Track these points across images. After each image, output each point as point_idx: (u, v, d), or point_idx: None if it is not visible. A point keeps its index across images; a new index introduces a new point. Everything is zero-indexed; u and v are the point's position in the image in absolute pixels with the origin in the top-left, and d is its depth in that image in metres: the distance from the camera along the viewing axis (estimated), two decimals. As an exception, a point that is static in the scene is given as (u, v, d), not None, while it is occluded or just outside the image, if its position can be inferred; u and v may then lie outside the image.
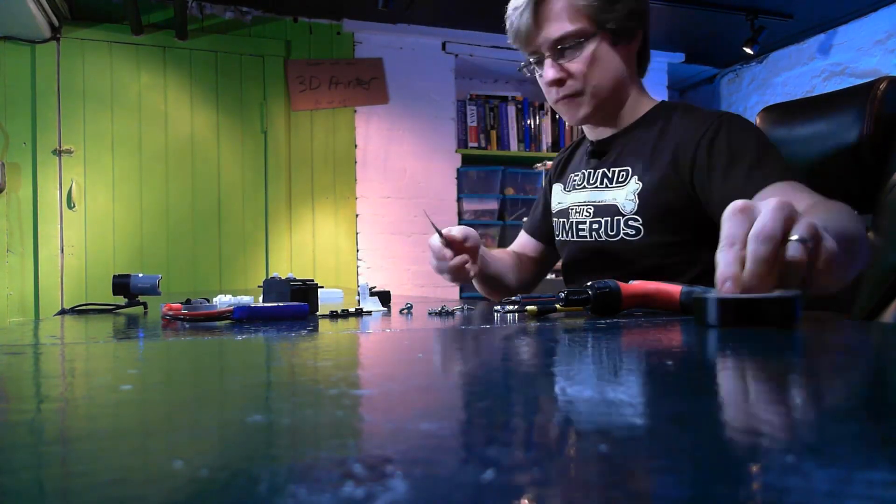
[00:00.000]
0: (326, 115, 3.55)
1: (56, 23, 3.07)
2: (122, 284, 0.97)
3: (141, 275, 0.99)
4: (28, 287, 3.09)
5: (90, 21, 3.18)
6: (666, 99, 4.22)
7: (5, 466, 0.20)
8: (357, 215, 3.58)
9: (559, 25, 1.04)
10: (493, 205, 3.74)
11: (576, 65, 1.05)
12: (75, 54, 3.17)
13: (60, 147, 3.15)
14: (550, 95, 1.11)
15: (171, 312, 0.74)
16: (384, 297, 0.92)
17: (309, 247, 3.50)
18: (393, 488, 0.17)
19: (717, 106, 4.63)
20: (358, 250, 3.56)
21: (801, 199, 0.85)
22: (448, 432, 0.23)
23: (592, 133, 1.19)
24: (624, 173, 1.09)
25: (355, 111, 3.59)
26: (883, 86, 1.06)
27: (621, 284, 0.70)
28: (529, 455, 0.20)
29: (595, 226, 1.12)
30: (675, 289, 0.70)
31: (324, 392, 0.31)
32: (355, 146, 3.59)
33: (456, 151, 3.74)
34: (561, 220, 1.22)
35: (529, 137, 3.85)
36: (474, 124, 3.77)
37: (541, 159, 3.84)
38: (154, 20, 3.30)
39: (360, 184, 3.59)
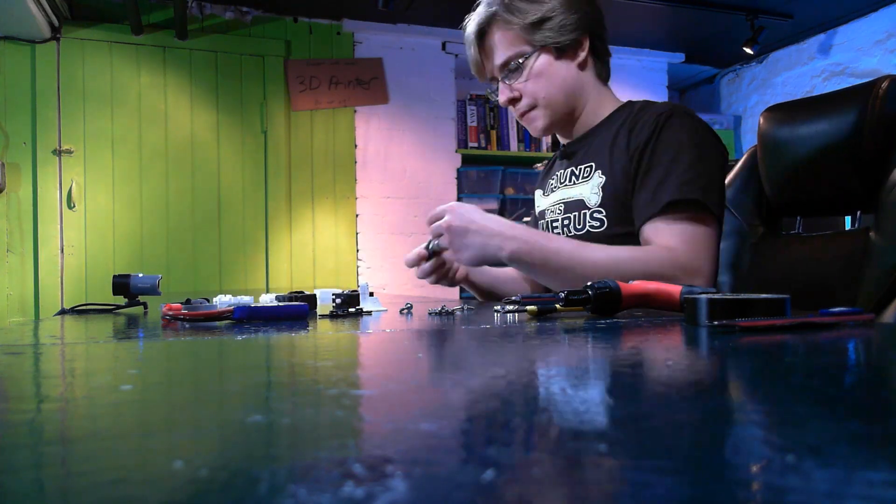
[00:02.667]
0: (326, 115, 3.55)
1: (56, 23, 3.07)
2: (122, 284, 0.97)
3: (141, 275, 0.98)
4: (28, 287, 3.09)
5: (90, 21, 3.18)
6: (666, 99, 4.19)
7: (5, 466, 0.20)
8: (357, 215, 3.58)
9: (501, 52, 1.14)
10: (493, 205, 3.74)
11: (523, 84, 1.14)
12: (75, 54, 3.17)
13: (60, 147, 3.15)
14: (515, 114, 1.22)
15: (171, 312, 0.74)
16: (351, 301, 0.86)
17: (309, 247, 3.50)
18: (393, 488, 0.17)
19: (718, 106, 4.63)
20: (358, 250, 3.56)
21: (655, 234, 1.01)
22: (448, 432, 0.24)
23: (564, 139, 1.25)
24: (588, 168, 1.14)
25: (355, 111, 3.59)
26: (885, 85, 1.06)
27: (621, 284, 0.70)
28: (529, 455, 0.20)
29: (566, 221, 1.17)
30: (675, 289, 0.70)
31: (324, 392, 0.31)
32: (355, 146, 3.59)
33: (456, 151, 3.74)
34: (541, 222, 1.28)
35: (529, 137, 3.85)
36: (474, 124, 3.77)
37: (541, 159, 3.84)
38: (154, 20, 3.30)
39: (360, 184, 3.59)
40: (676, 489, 0.17)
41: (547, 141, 3.87)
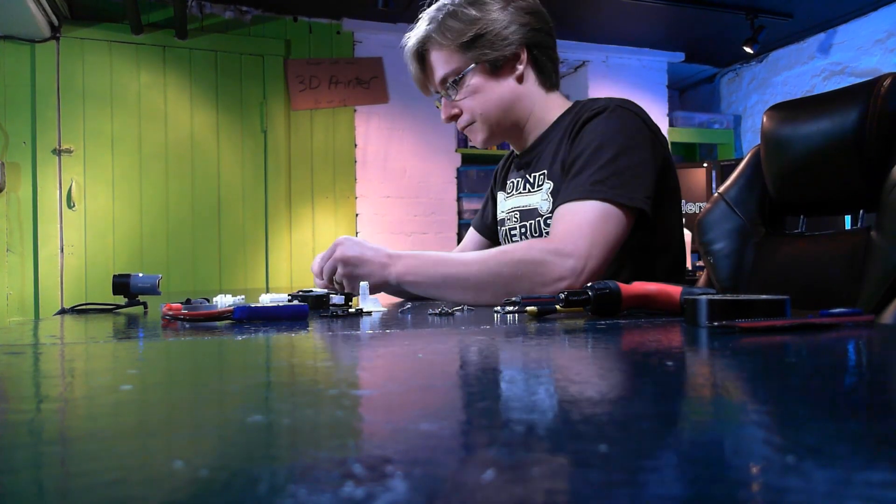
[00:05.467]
0: (326, 115, 3.55)
1: (56, 22, 3.07)
2: (122, 284, 0.97)
3: (141, 274, 0.98)
4: (28, 287, 3.09)
5: (90, 20, 3.18)
6: (665, 98, 4.17)
7: (5, 466, 0.20)
8: (357, 215, 3.58)
9: (439, 70, 1.16)
10: (493, 204, 3.74)
11: (461, 100, 1.16)
12: (75, 54, 3.17)
13: (60, 146, 3.15)
14: None
15: (171, 312, 0.74)
16: (318, 301, 0.88)
17: (309, 246, 3.50)
18: (393, 488, 0.17)
19: (718, 105, 4.63)
20: (358, 250, 3.56)
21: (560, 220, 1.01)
22: (448, 432, 0.24)
23: (516, 148, 1.26)
24: (541, 177, 1.15)
25: (355, 111, 3.59)
26: (886, 83, 1.06)
27: (621, 286, 0.70)
28: (528, 455, 0.20)
29: (523, 230, 1.18)
30: (675, 290, 0.70)
31: (324, 392, 0.31)
32: (355, 146, 3.59)
33: (456, 151, 3.74)
34: (501, 229, 1.29)
35: (529, 137, 3.85)
36: (474, 124, 3.77)
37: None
38: (154, 20, 3.30)
39: (359, 183, 3.59)
40: (676, 489, 0.17)
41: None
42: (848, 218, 1.26)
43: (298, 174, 3.50)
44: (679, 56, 4.17)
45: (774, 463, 0.19)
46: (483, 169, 3.75)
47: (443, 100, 1.19)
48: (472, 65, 1.12)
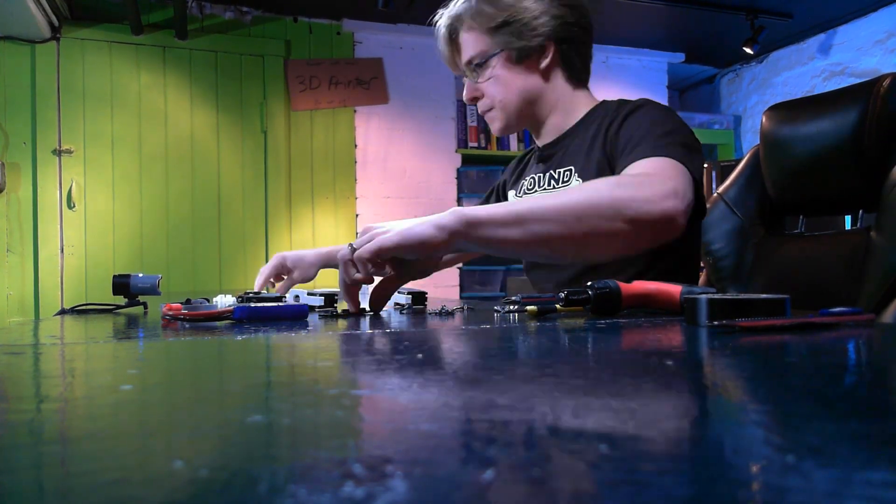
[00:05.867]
0: (326, 115, 3.55)
1: (56, 22, 3.07)
2: (122, 284, 0.97)
3: (141, 275, 0.98)
4: (28, 287, 3.09)
5: (90, 21, 3.18)
6: (665, 99, 4.18)
7: (5, 466, 0.20)
8: (357, 215, 3.58)
9: (466, 51, 1.16)
10: (493, 205, 3.74)
11: (483, 84, 1.16)
12: (75, 54, 3.17)
13: (60, 147, 3.15)
14: None
15: (171, 312, 0.74)
16: (418, 298, 0.90)
17: (309, 246, 3.50)
18: (393, 488, 0.17)
19: (718, 106, 4.63)
20: (358, 250, 3.56)
21: (632, 169, 0.89)
22: (448, 432, 0.24)
23: (538, 140, 1.24)
24: (567, 172, 1.13)
25: (355, 111, 3.59)
26: (886, 83, 1.06)
27: (621, 285, 0.70)
28: (528, 455, 0.20)
29: None
30: (675, 289, 0.70)
31: (324, 392, 0.31)
32: (355, 146, 3.59)
33: (456, 151, 3.74)
34: None
35: (529, 137, 3.84)
36: (474, 124, 3.77)
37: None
38: (154, 20, 3.30)
39: (359, 183, 3.59)
40: (676, 489, 0.17)
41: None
42: (848, 218, 1.26)
43: (298, 174, 3.50)
44: (679, 56, 4.17)
45: (774, 463, 0.19)
46: (483, 169, 3.75)
47: (467, 81, 1.19)
48: (497, 51, 1.12)
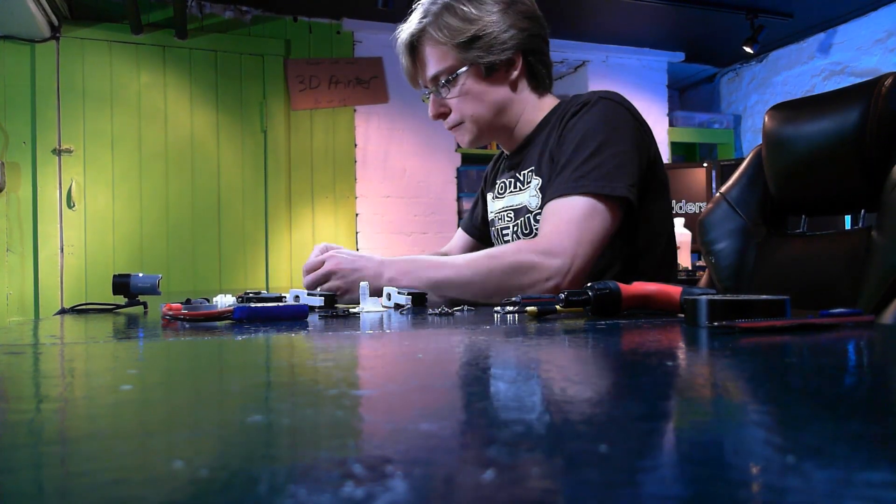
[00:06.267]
0: (326, 115, 3.55)
1: (56, 22, 3.07)
2: (122, 284, 0.97)
3: (141, 274, 0.98)
4: (28, 287, 3.09)
5: (90, 20, 3.18)
6: (665, 98, 4.16)
7: (5, 466, 0.20)
8: (357, 214, 3.58)
9: (431, 66, 1.14)
10: (493, 204, 3.74)
11: (451, 100, 1.15)
12: (75, 54, 3.17)
13: (60, 146, 3.15)
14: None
15: (171, 312, 0.74)
16: (418, 299, 0.92)
17: (309, 246, 3.50)
18: (393, 488, 0.17)
19: (718, 105, 4.63)
20: (357, 250, 3.56)
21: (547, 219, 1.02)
22: (448, 432, 0.24)
23: (505, 148, 1.26)
24: (530, 174, 1.15)
25: (355, 110, 3.59)
26: (888, 82, 1.06)
27: (622, 286, 0.70)
28: (528, 455, 0.20)
29: (515, 228, 1.18)
30: (675, 290, 0.70)
31: (324, 392, 0.31)
32: (355, 145, 3.59)
33: (456, 151, 3.74)
34: (493, 229, 1.29)
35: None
36: (474, 124, 3.77)
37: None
38: (154, 19, 3.30)
39: (359, 183, 3.59)
40: (676, 489, 0.17)
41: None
42: (848, 218, 1.26)
43: (298, 174, 3.50)
44: (679, 56, 4.17)
45: (774, 463, 0.19)
46: (483, 169, 3.75)
47: (431, 96, 1.17)
48: (466, 66, 1.11)
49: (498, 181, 1.28)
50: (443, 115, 1.18)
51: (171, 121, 3.32)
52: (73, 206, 3.16)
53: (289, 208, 3.48)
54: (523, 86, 1.16)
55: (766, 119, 1.25)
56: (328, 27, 3.58)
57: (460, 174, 3.73)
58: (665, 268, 1.16)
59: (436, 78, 1.14)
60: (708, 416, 0.27)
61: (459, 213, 3.74)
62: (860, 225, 1.16)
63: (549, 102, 1.19)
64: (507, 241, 1.20)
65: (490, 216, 1.30)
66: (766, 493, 0.16)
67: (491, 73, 1.12)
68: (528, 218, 1.14)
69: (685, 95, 4.86)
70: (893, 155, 1.05)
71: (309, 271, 1.01)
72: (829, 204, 1.20)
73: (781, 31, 3.81)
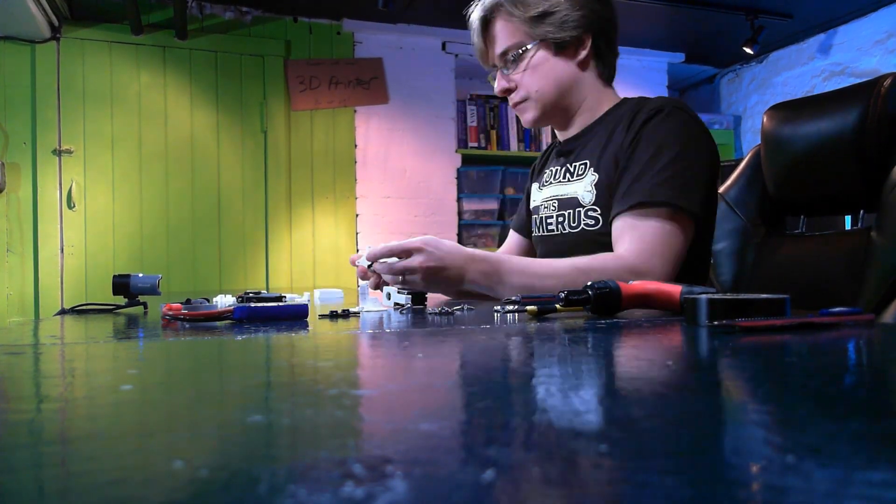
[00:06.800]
0: (326, 115, 3.55)
1: (56, 22, 3.07)
2: (122, 284, 0.97)
3: (141, 275, 0.98)
4: (28, 287, 3.09)
5: (90, 21, 3.18)
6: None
7: (5, 466, 0.20)
8: (357, 215, 3.58)
9: (501, 42, 1.15)
10: (493, 205, 3.74)
11: (518, 75, 1.15)
12: (75, 54, 3.17)
13: (60, 147, 3.15)
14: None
15: (171, 312, 0.74)
16: (418, 298, 0.92)
17: (309, 246, 3.50)
18: (393, 488, 0.17)
19: (718, 106, 4.63)
20: (357, 250, 3.56)
21: (622, 237, 1.02)
22: (448, 432, 0.24)
23: (560, 134, 1.25)
24: (582, 166, 1.14)
25: (355, 111, 3.59)
26: (887, 83, 1.06)
27: (621, 284, 0.70)
28: (528, 455, 0.20)
29: (560, 219, 1.17)
30: (675, 289, 0.70)
31: (324, 392, 0.31)
32: (355, 146, 3.59)
33: (456, 151, 3.74)
34: (535, 216, 1.28)
35: (529, 137, 3.85)
36: (474, 124, 3.77)
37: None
38: (154, 20, 3.30)
39: (360, 183, 3.59)
40: (676, 489, 0.17)
41: (547, 141, 3.87)
42: (848, 218, 1.26)
43: (298, 174, 3.50)
44: (679, 56, 4.17)
45: (774, 463, 0.19)
46: (483, 169, 3.76)
47: (498, 72, 1.18)
48: (537, 41, 1.12)
49: (547, 169, 1.27)
50: (508, 90, 1.18)
51: (172, 121, 3.33)
52: (74, 206, 3.16)
53: (289, 209, 3.48)
54: (591, 68, 1.17)
55: (765, 119, 1.25)
56: (328, 28, 3.58)
57: (461, 175, 3.73)
58: (702, 279, 1.15)
59: (505, 53, 1.14)
60: (708, 416, 0.27)
61: (460, 213, 3.74)
62: (860, 225, 1.16)
63: (611, 95, 1.20)
64: (551, 231, 1.19)
65: (533, 204, 1.30)
66: (766, 493, 0.16)
67: (560, 50, 1.13)
68: (579, 212, 1.13)
69: (685, 96, 4.86)
70: (893, 155, 1.05)
71: (391, 254, 0.96)
72: (829, 204, 1.20)
73: (781, 32, 3.81)
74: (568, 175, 1.17)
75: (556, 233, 1.18)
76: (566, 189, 1.16)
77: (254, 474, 0.18)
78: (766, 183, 1.26)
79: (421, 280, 0.95)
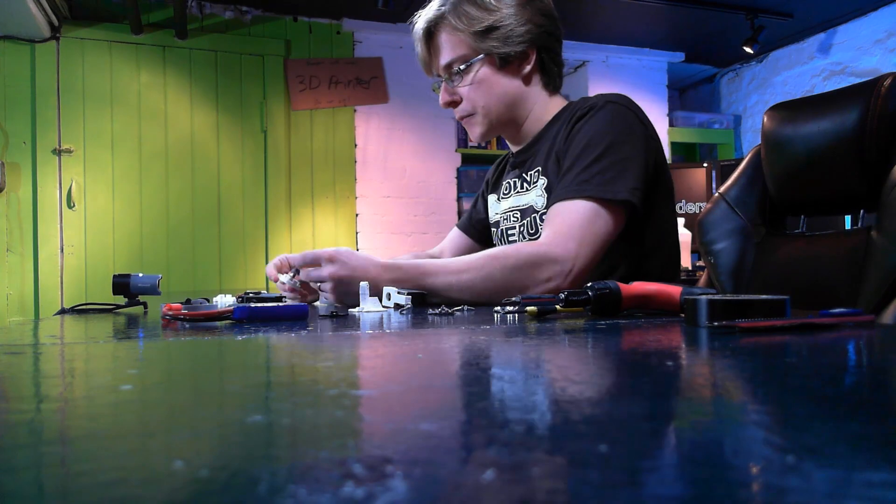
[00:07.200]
0: (326, 115, 3.55)
1: (56, 22, 3.07)
2: (122, 284, 0.97)
3: (141, 274, 0.98)
4: (28, 287, 3.09)
5: (90, 20, 3.18)
6: (665, 98, 4.16)
7: (5, 466, 0.20)
8: (357, 215, 3.58)
9: (446, 54, 1.14)
10: (492, 204, 3.75)
11: (463, 89, 1.15)
12: (75, 54, 3.17)
13: (60, 146, 3.15)
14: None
15: (171, 312, 0.74)
16: (418, 299, 0.92)
17: (309, 246, 3.50)
18: (393, 488, 0.17)
19: (718, 105, 4.63)
20: (357, 250, 3.56)
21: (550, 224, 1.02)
22: (448, 432, 0.24)
23: (512, 146, 1.26)
24: (535, 174, 1.16)
25: (355, 110, 3.59)
26: (887, 83, 1.06)
27: (621, 285, 0.70)
28: (528, 455, 0.20)
29: (521, 228, 1.19)
30: (675, 290, 0.70)
31: (324, 392, 0.31)
32: (355, 145, 3.59)
33: (456, 151, 3.74)
34: (496, 230, 1.29)
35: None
36: (474, 124, 3.77)
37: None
38: (154, 20, 3.30)
39: (359, 183, 3.59)
40: (676, 489, 0.17)
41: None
42: (848, 218, 1.26)
43: (298, 174, 3.50)
44: (679, 56, 4.17)
45: (774, 463, 0.19)
46: (483, 169, 3.76)
47: (443, 84, 1.18)
48: (481, 55, 1.12)
49: (503, 182, 1.28)
50: (453, 103, 1.17)
51: (171, 121, 3.32)
52: (73, 206, 3.16)
53: (289, 208, 3.48)
54: (535, 81, 1.17)
55: (765, 119, 1.25)
56: (328, 27, 3.58)
57: (460, 174, 3.73)
58: (670, 269, 1.16)
59: (450, 66, 1.14)
60: (708, 416, 0.27)
61: (459, 213, 3.74)
62: (860, 225, 1.16)
63: (558, 103, 1.20)
64: (513, 241, 1.20)
65: (494, 217, 1.31)
66: (766, 493, 0.16)
67: (505, 64, 1.13)
68: (535, 218, 1.14)
69: (685, 95, 4.86)
70: (893, 155, 1.05)
71: (304, 262, 0.97)
72: (829, 204, 1.20)
73: (781, 32, 3.81)
74: (525, 185, 1.19)
75: (516, 241, 1.19)
76: (524, 199, 1.18)
77: (254, 474, 0.18)
78: (767, 183, 1.26)
79: (331, 291, 0.94)
